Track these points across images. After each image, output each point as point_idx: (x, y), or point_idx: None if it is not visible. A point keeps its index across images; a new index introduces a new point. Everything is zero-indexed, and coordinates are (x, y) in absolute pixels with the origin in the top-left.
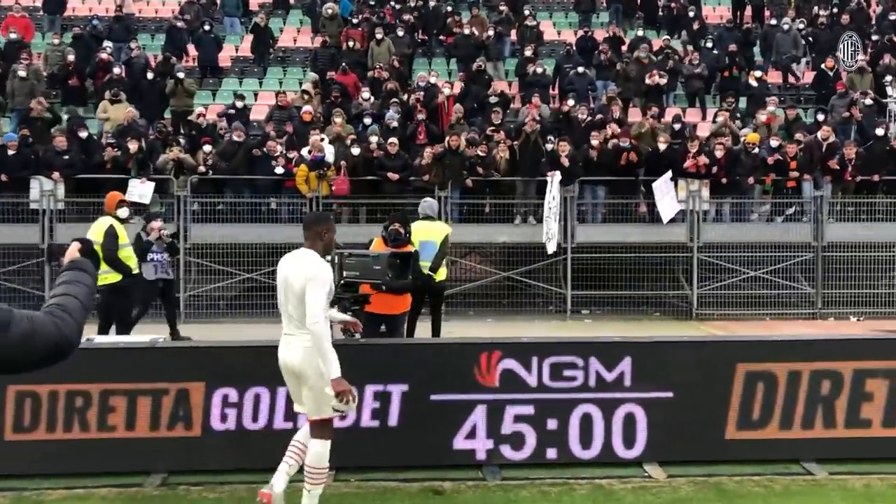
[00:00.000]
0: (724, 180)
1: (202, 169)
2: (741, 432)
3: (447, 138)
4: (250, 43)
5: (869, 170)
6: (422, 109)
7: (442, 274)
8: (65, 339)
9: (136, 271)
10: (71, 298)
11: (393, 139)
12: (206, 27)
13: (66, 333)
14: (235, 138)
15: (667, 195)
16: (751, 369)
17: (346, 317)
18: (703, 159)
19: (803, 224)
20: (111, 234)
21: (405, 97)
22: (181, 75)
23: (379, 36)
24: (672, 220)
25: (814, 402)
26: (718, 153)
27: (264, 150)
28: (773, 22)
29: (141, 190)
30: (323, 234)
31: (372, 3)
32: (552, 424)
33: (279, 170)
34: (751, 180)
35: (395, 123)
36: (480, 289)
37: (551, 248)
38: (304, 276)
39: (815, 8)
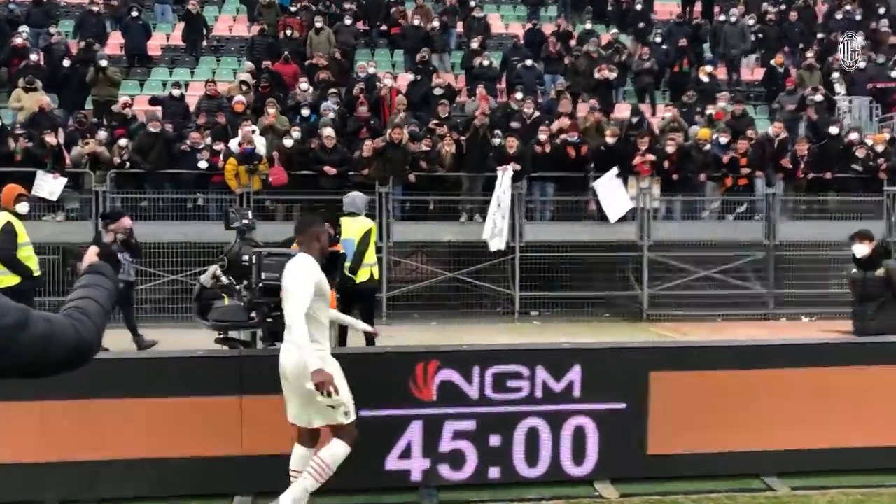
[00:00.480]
0: (675, 177)
1: (117, 160)
2: (698, 446)
3: (388, 131)
4: (182, 31)
5: (821, 167)
6: (364, 101)
7: (365, 275)
8: (84, 343)
9: (37, 273)
10: (90, 302)
11: (330, 131)
12: (134, 13)
13: (86, 336)
14: (152, 129)
15: (612, 193)
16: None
17: (365, 325)
18: (650, 156)
19: (755, 222)
20: (8, 232)
21: (346, 88)
22: (104, 63)
23: (318, 25)
24: (622, 219)
25: (774, 413)
26: (669, 149)
27: (188, 142)
28: (723, 18)
29: (52, 185)
30: (319, 235)
31: None
32: (495, 441)
33: (203, 163)
34: (702, 177)
35: (331, 114)
36: (426, 290)
37: (494, 245)
38: (287, 275)
39: (764, 4)
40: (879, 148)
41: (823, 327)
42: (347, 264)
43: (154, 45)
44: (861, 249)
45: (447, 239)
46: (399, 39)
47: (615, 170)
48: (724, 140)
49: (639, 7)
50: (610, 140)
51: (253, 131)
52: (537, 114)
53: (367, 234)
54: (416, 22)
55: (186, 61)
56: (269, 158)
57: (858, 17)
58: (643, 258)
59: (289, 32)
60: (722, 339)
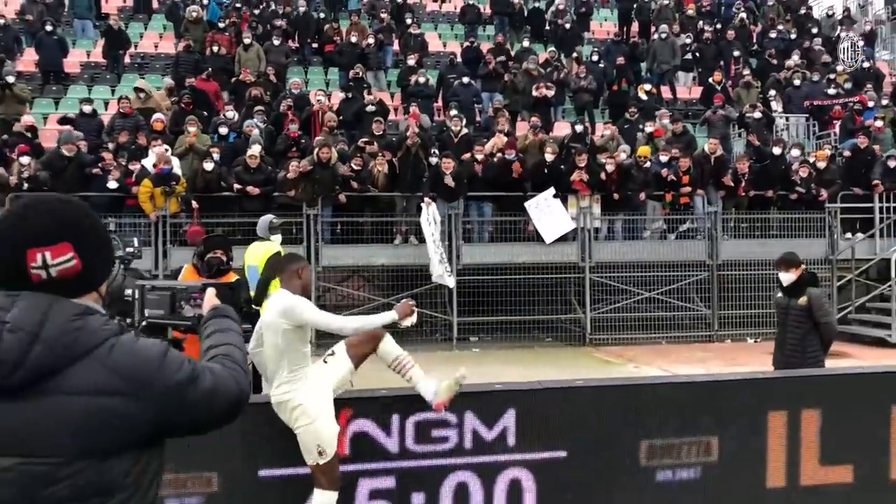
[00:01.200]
0: (615, 196)
1: (14, 181)
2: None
3: (315, 150)
4: (102, 47)
5: (763, 186)
6: (293, 119)
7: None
8: (243, 394)
9: None
10: (234, 349)
11: (256, 149)
12: (48, 27)
13: (244, 387)
14: (66, 153)
15: (549, 213)
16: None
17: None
18: (583, 174)
19: (697, 241)
20: None
21: (274, 105)
22: (11, 79)
23: (247, 41)
24: (562, 239)
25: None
26: (609, 167)
27: (99, 165)
28: (661, 36)
29: None
30: (300, 272)
31: (238, 5)
32: (418, 499)
33: (112, 184)
34: (642, 196)
35: (255, 131)
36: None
37: (451, 283)
38: (282, 309)
39: (700, 23)
40: (821, 165)
41: (768, 349)
42: (252, 293)
43: (72, 62)
44: (787, 277)
45: (381, 262)
46: (334, 57)
47: (551, 189)
48: (664, 158)
49: (567, 26)
50: (549, 157)
51: (166, 150)
52: (465, 131)
53: (271, 260)
54: (353, 39)
55: (107, 78)
56: (187, 201)
57: (793, 37)
58: (585, 280)
59: (216, 49)
60: (676, 375)
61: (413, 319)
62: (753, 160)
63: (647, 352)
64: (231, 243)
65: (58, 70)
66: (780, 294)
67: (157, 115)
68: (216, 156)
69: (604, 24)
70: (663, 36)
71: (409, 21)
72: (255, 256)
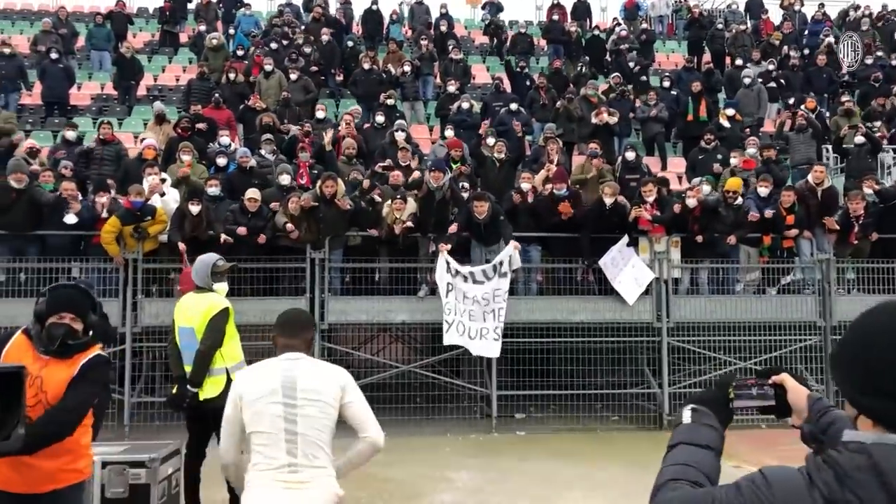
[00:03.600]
0: (699, 239)
1: None
2: None
3: (319, 183)
4: (112, 77)
5: (888, 228)
6: (305, 146)
7: (217, 386)
8: None
9: None
10: None
11: (253, 195)
12: (53, 55)
13: None
14: (14, 184)
15: (625, 267)
16: None
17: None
18: (647, 211)
19: (805, 297)
20: None
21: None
22: None
23: (268, 68)
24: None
25: None
26: (690, 203)
27: (58, 193)
28: (739, 62)
29: None
30: (311, 342)
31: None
32: None
33: (70, 218)
34: (731, 239)
35: (251, 162)
36: (380, 387)
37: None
38: (339, 385)
39: (785, 48)
40: None
41: None
42: (188, 367)
43: (83, 95)
44: None
45: (400, 319)
46: (362, 84)
47: (625, 238)
48: (764, 191)
49: (629, 58)
50: (608, 200)
51: (163, 181)
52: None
53: (215, 321)
54: (389, 66)
55: (117, 110)
56: (173, 243)
57: (894, 63)
58: (662, 344)
59: (232, 76)
60: None
61: None
62: (874, 200)
63: (743, 440)
64: (92, 300)
65: (62, 101)
66: None
67: (148, 142)
68: (215, 189)
69: (671, 56)
70: (747, 82)
71: (450, 47)
72: (190, 314)
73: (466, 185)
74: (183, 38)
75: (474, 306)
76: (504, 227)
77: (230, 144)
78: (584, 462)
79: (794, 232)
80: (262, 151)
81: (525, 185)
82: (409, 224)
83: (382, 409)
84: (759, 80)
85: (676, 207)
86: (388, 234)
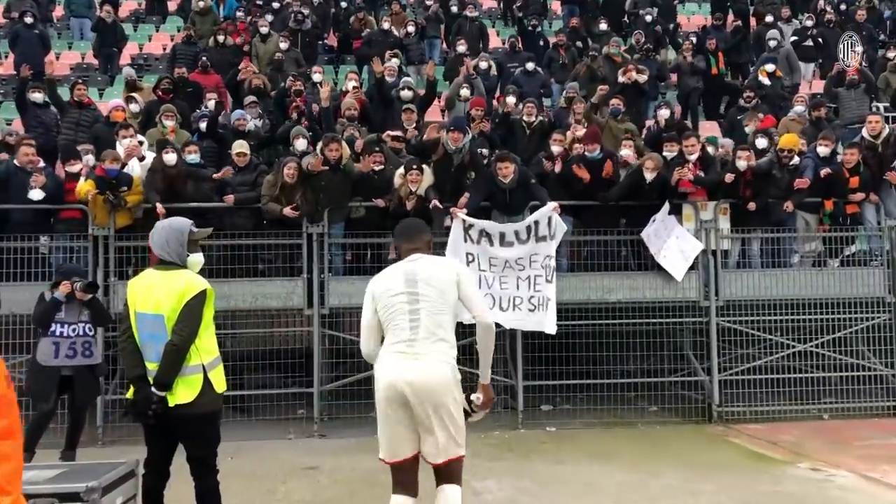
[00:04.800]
0: (751, 206)
1: None
2: None
3: (320, 146)
4: (93, 44)
5: None
6: (299, 105)
7: (190, 390)
8: None
9: None
10: None
11: (242, 148)
12: (28, 19)
13: None
14: None
15: (668, 238)
16: None
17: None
18: (689, 171)
19: (872, 270)
20: None
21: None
22: None
23: (264, 30)
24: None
25: None
26: (741, 164)
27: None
28: (769, 19)
29: None
30: (430, 243)
31: (260, 2)
32: None
33: (35, 193)
34: (788, 206)
35: (248, 126)
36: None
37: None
38: (455, 271)
39: (821, 2)
40: None
41: None
42: (153, 366)
43: (61, 65)
44: None
45: None
46: (363, 50)
47: (666, 206)
48: (824, 150)
49: (648, 18)
50: (649, 176)
51: (140, 143)
52: (541, 119)
53: (192, 306)
54: (386, 26)
55: (98, 80)
56: (149, 213)
57: None
58: (710, 326)
59: (221, 39)
60: None
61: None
62: None
63: (808, 434)
64: None
65: (37, 70)
66: None
67: (115, 102)
68: (194, 156)
69: (692, 18)
70: (773, 43)
71: (454, 9)
72: (155, 297)
73: (485, 150)
74: (172, 6)
75: (506, 271)
76: (537, 189)
77: (222, 111)
78: (630, 465)
79: (859, 196)
80: (247, 116)
81: (556, 148)
82: (424, 197)
83: None
84: (794, 37)
85: (728, 177)
86: (398, 207)
